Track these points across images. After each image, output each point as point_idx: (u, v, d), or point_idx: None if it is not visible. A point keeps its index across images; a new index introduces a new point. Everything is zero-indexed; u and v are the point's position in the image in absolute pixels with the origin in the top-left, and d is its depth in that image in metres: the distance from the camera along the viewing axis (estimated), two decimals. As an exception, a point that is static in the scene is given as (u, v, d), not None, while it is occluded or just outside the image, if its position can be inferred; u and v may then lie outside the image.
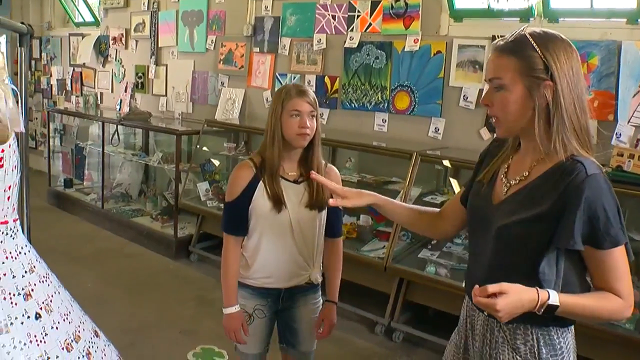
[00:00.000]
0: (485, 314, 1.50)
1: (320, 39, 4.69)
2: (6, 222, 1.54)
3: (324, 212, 2.18)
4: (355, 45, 4.49)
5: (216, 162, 5.15)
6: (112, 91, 6.72)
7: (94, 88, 6.90)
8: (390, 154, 3.96)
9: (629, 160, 3.14)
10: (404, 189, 3.82)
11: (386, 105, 4.39)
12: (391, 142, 4.18)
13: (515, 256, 1.41)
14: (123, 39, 6.36)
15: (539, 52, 1.33)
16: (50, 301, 1.62)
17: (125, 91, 6.39)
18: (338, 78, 4.64)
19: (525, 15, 3.74)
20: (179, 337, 3.61)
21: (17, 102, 1.60)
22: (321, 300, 2.30)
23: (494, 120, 1.45)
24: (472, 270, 1.59)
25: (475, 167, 1.66)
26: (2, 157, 1.46)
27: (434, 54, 4.11)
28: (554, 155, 1.36)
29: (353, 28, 4.50)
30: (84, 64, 6.92)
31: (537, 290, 1.30)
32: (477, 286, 1.30)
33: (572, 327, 1.49)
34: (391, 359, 3.48)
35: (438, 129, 4.16)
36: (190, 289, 4.39)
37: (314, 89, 4.74)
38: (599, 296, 1.37)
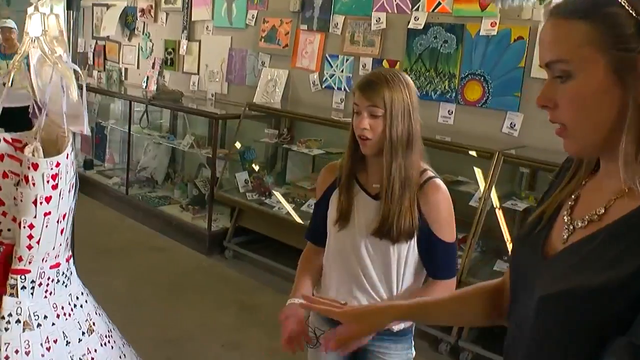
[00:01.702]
0: None
1: (379, 18, 4.20)
2: (58, 265, 1.10)
3: (411, 245, 1.68)
4: (421, 27, 4.00)
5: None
6: (137, 67, 6.24)
7: (118, 63, 6.43)
8: (464, 151, 3.51)
9: None
10: (478, 191, 3.40)
11: (454, 95, 3.92)
12: (457, 136, 3.74)
13: (567, 350, 0.87)
14: (152, 11, 5.87)
15: (627, 6, 0.79)
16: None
17: (153, 67, 5.92)
18: (398, 62, 4.16)
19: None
20: (221, 353, 3.20)
21: (81, 88, 1.14)
22: (411, 355, 1.82)
23: (558, 129, 0.90)
24: (512, 346, 1.04)
25: (542, 196, 1.09)
26: (56, 174, 1.01)
27: (514, 40, 3.62)
28: None
29: (419, 7, 4.00)
30: (108, 37, 6.44)
31: None
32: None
33: None
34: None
35: (514, 125, 3.69)
36: (229, 292, 3.97)
37: (369, 74, 4.28)
38: None
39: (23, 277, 1.04)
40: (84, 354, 1.11)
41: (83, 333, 1.13)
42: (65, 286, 1.13)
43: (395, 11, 4.13)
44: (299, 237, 4.11)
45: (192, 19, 5.53)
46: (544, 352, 0.91)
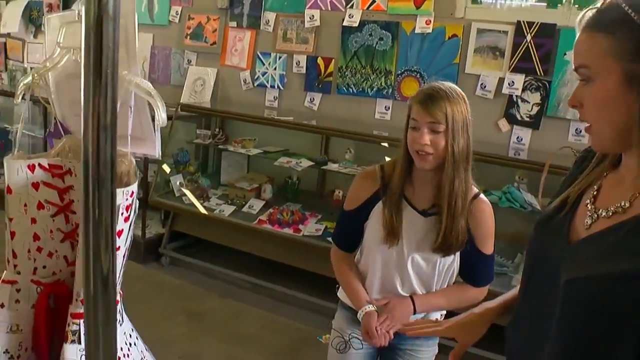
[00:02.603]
0: None
1: (313, 15, 4.19)
2: (117, 303, 1.00)
3: (453, 258, 1.75)
4: (356, 24, 4.03)
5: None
6: (45, 66, 5.81)
7: (23, 62, 5.94)
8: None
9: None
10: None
11: (390, 91, 4.00)
12: (394, 131, 3.80)
13: (596, 331, 0.94)
14: (60, 5, 5.48)
15: (638, 22, 0.90)
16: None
17: (63, 67, 5.53)
18: (333, 60, 4.18)
19: (553, 1, 3.46)
20: (180, 365, 3.08)
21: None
22: (436, 352, 1.90)
23: (585, 126, 1.01)
24: (519, 340, 1.13)
25: (562, 183, 1.18)
26: (129, 205, 0.92)
27: (449, 38, 3.75)
28: None
29: (353, 4, 4.04)
30: (9, 33, 5.93)
31: None
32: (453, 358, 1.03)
33: None
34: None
35: (450, 119, 3.82)
36: (173, 300, 3.82)
37: (304, 71, 4.27)
38: None
39: (86, 320, 0.94)
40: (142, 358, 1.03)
41: (130, 339, 1.04)
42: (120, 324, 1.03)
43: (329, 8, 4.14)
44: (241, 239, 4.06)
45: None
46: (575, 338, 0.97)
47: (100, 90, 0.56)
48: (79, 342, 0.93)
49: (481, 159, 3.39)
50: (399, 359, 1.87)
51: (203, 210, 4.12)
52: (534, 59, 3.48)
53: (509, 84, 3.58)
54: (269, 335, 3.46)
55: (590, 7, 0.98)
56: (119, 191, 0.85)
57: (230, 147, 4.30)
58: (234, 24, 4.55)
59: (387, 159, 3.74)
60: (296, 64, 4.31)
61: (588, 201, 1.04)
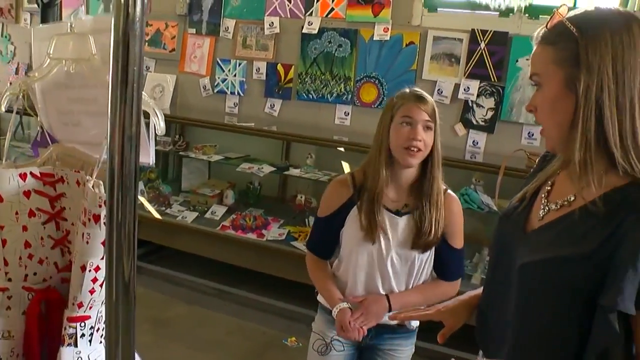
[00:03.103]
0: None
1: (272, 22, 4.24)
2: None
3: (429, 254, 1.83)
4: (315, 32, 4.10)
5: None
6: (-4, 73, 5.67)
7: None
8: (363, 149, 3.68)
9: None
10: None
11: (350, 97, 4.08)
12: (354, 136, 3.91)
13: (544, 308, 1.09)
14: (12, 11, 5.36)
15: (576, 35, 1.03)
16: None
17: (17, 73, 5.42)
18: (293, 66, 4.24)
19: (505, 10, 3.61)
20: (147, 372, 3.07)
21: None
22: (413, 351, 1.97)
23: (541, 130, 1.15)
24: (487, 319, 1.28)
25: (525, 181, 1.31)
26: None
27: (406, 45, 3.86)
28: (612, 178, 1.04)
29: (312, 12, 4.11)
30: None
31: None
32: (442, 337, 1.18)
33: None
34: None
35: (409, 124, 3.93)
36: (137, 309, 3.75)
37: (264, 77, 4.31)
38: None
39: (83, 324, 0.94)
40: None
41: None
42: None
43: (289, 16, 4.20)
44: (205, 245, 4.06)
45: (63, 20, 5.14)
46: (528, 315, 1.11)
47: (126, 102, 0.59)
48: (75, 345, 0.95)
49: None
50: (378, 359, 1.92)
51: (158, 216, 4.12)
52: (487, 65, 3.62)
53: (464, 89, 3.71)
54: (235, 340, 3.48)
55: (543, 25, 1.11)
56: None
57: (191, 153, 4.30)
58: (193, 30, 4.55)
59: (346, 164, 3.85)
60: (256, 70, 4.35)
61: (543, 196, 1.18)
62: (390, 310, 1.80)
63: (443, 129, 3.69)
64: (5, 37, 5.51)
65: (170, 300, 3.93)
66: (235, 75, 4.45)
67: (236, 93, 4.47)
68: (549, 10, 3.55)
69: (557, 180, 1.18)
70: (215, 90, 4.54)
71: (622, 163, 1.01)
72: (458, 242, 1.85)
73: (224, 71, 4.48)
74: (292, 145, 4.28)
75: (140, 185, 4.32)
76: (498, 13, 3.64)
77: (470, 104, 3.72)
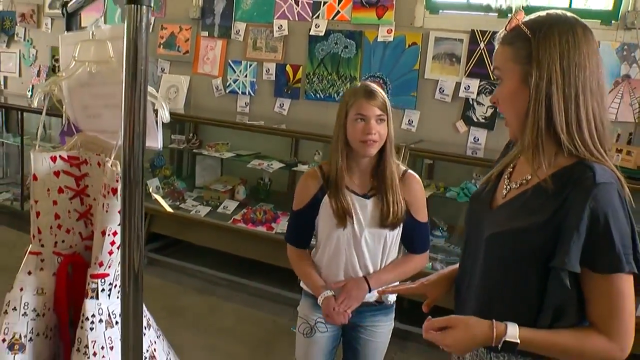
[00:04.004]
0: None
1: (281, 25, 4.42)
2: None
3: (397, 230, 1.99)
4: (322, 34, 4.28)
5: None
6: (19, 75, 5.92)
7: (-5, 71, 6.05)
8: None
9: (617, 155, 3.29)
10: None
11: (356, 96, 4.24)
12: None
13: (507, 272, 1.26)
14: (34, 16, 5.61)
15: (529, 36, 1.21)
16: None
17: (39, 75, 5.66)
18: (301, 67, 4.42)
19: (503, 11, 3.76)
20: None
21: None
22: (392, 325, 2.13)
23: (505, 121, 1.33)
24: (460, 286, 1.45)
25: (494, 165, 1.49)
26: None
27: (409, 46, 4.02)
28: (561, 159, 1.21)
29: (319, 15, 4.28)
30: (-19, 43, 6.04)
31: (493, 324, 1.19)
32: (428, 318, 1.27)
33: None
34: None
35: (412, 121, 4.09)
36: (154, 298, 3.99)
37: (274, 78, 4.50)
38: (577, 334, 1.19)
39: (103, 280, 1.14)
40: (149, 346, 1.23)
41: (145, 328, 1.25)
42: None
43: (297, 19, 4.38)
44: (217, 238, 4.25)
45: (82, 25, 5.37)
46: (493, 278, 1.29)
47: (134, 102, 0.77)
48: (97, 298, 1.14)
49: (441, 158, 3.72)
50: (361, 335, 2.08)
51: (169, 209, 4.32)
52: (487, 64, 3.77)
53: (465, 88, 3.86)
54: (245, 327, 3.66)
55: (503, 28, 1.30)
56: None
57: (204, 151, 4.49)
58: (206, 33, 4.75)
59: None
60: (266, 71, 4.54)
61: (506, 177, 1.36)
62: (370, 290, 1.96)
63: (445, 126, 3.92)
64: (28, 41, 5.76)
65: (184, 291, 4.13)
66: (246, 76, 4.65)
67: (247, 93, 4.66)
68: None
69: (518, 163, 1.36)
70: (227, 91, 4.74)
71: (567, 146, 1.19)
72: (422, 216, 2.02)
73: (235, 72, 4.68)
74: (301, 143, 4.45)
75: (156, 182, 4.54)
76: (497, 14, 3.79)
77: (471, 102, 3.87)
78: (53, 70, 5.57)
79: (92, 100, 1.23)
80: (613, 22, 3.47)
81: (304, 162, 4.30)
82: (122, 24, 0.88)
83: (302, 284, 2.13)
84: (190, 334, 3.50)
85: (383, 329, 2.09)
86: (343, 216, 1.91)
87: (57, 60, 5.52)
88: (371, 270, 1.99)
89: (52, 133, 5.59)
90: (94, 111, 1.24)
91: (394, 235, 1.99)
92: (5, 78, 6.04)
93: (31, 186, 1.19)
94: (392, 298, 2.08)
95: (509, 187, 1.33)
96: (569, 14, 1.24)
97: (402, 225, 1.98)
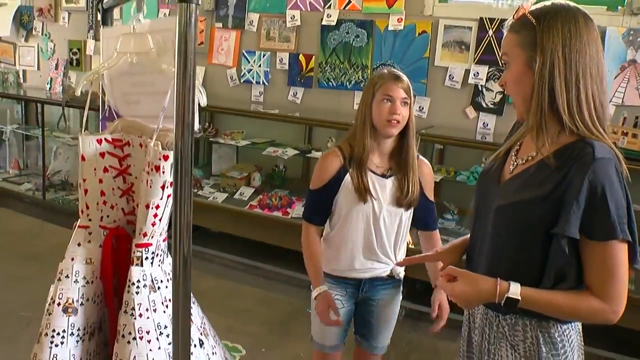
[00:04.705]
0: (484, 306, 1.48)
1: (294, 16, 4.53)
2: (165, 239, 1.35)
3: (410, 211, 2.11)
4: (334, 23, 4.38)
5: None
6: (38, 69, 6.07)
7: (14, 65, 6.20)
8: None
9: (623, 138, 3.37)
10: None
11: (367, 84, 4.34)
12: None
13: (513, 240, 1.36)
14: (52, 10, 5.74)
15: (534, 24, 1.31)
16: (203, 324, 1.46)
17: (56, 69, 5.80)
18: (314, 56, 4.52)
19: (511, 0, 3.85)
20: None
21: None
22: (401, 298, 2.25)
23: (513, 103, 1.44)
24: (471, 254, 1.56)
25: (502, 144, 1.62)
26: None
27: (419, 34, 4.12)
28: (564, 137, 1.32)
29: (330, 5, 4.38)
30: (0, 37, 6.18)
31: (497, 281, 1.30)
32: (441, 265, 1.40)
33: (577, 324, 1.42)
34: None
35: (422, 108, 4.19)
36: (173, 282, 4.14)
37: (287, 67, 4.61)
38: (573, 295, 1.30)
39: (146, 249, 1.26)
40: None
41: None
42: (168, 256, 1.38)
43: (309, 9, 4.48)
44: (234, 224, 4.38)
45: (99, 19, 5.51)
46: (500, 245, 1.40)
47: (185, 95, 0.88)
48: (141, 265, 1.27)
49: (451, 143, 3.83)
50: (373, 309, 2.19)
51: (196, 199, 4.41)
52: (495, 51, 3.86)
53: (474, 74, 3.95)
54: (262, 309, 3.78)
55: (510, 17, 1.40)
56: (171, 152, 1.19)
57: (220, 139, 4.62)
58: (220, 24, 4.87)
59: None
60: (279, 61, 4.65)
61: (513, 154, 1.47)
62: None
63: (455, 112, 4.02)
64: (46, 35, 5.91)
65: (202, 275, 4.25)
66: (260, 66, 4.76)
67: (261, 82, 4.78)
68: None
69: (524, 142, 1.47)
70: (241, 80, 4.86)
71: (569, 125, 1.30)
72: (432, 196, 2.17)
73: (249, 62, 4.79)
74: (314, 130, 4.57)
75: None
76: (505, 2, 3.87)
77: (480, 88, 3.96)
78: (70, 63, 5.71)
79: (132, 88, 1.35)
80: (619, 8, 3.55)
81: (317, 149, 4.42)
82: (163, 18, 0.99)
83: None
84: (209, 315, 3.58)
85: (394, 301, 2.21)
86: (364, 192, 2.01)
87: (74, 54, 5.67)
88: (388, 249, 2.10)
89: (71, 125, 5.76)
90: (134, 98, 1.36)
91: (407, 217, 2.10)
92: (24, 71, 6.20)
93: (79, 166, 1.32)
94: (401, 273, 2.18)
95: (515, 163, 1.43)
96: (572, 3, 1.34)
97: (414, 206, 2.10)
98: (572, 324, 1.40)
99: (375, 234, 2.07)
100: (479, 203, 1.53)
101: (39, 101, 5.43)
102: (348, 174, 2.04)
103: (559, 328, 1.36)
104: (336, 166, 2.05)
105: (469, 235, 1.62)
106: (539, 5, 1.35)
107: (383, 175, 2.05)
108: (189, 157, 0.92)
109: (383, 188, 2.04)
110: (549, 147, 1.32)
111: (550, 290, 1.31)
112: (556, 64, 1.28)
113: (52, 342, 1.28)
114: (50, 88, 5.81)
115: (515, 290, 1.27)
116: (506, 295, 1.27)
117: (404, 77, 2.01)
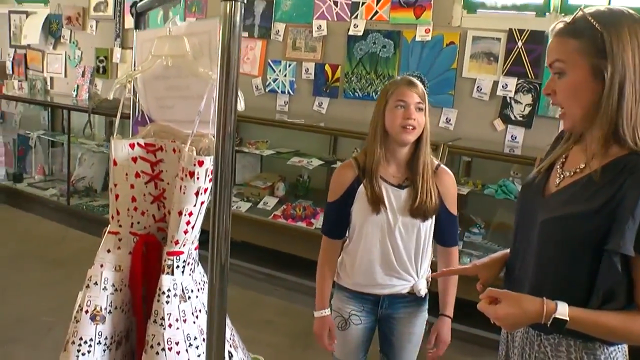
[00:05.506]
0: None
1: (320, 25, 4.51)
2: (197, 247, 1.31)
3: (431, 220, 2.02)
4: (360, 33, 4.36)
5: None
6: (65, 76, 6.14)
7: (42, 72, 6.28)
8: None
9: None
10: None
11: (393, 95, 4.30)
12: (398, 132, 4.11)
13: (560, 255, 1.30)
14: (79, 19, 5.81)
15: (600, 30, 1.22)
16: (232, 336, 1.42)
17: (83, 76, 5.86)
18: (340, 66, 4.50)
19: (541, 10, 3.79)
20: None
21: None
22: (426, 316, 2.16)
23: (559, 113, 1.34)
24: (512, 269, 1.49)
25: (544, 157, 1.55)
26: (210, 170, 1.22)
27: (447, 45, 4.07)
28: (615, 149, 1.25)
29: (357, 15, 4.36)
30: (29, 45, 6.27)
31: (544, 302, 1.22)
32: (480, 286, 1.32)
33: (623, 345, 1.34)
34: None
35: (449, 120, 4.14)
36: (195, 291, 4.12)
37: (312, 77, 4.59)
38: (625, 316, 1.23)
39: (178, 257, 1.23)
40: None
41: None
42: (198, 265, 1.34)
43: (335, 19, 4.46)
44: (257, 233, 4.34)
45: (125, 27, 5.56)
46: (546, 261, 1.34)
47: (228, 102, 0.85)
48: (172, 274, 1.23)
49: (479, 155, 3.76)
50: (395, 327, 2.10)
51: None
52: (525, 63, 3.80)
53: (502, 86, 3.89)
54: (284, 320, 3.74)
55: (560, 20, 1.32)
56: (207, 158, 1.16)
57: (245, 148, 4.60)
58: (246, 34, 4.86)
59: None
60: (305, 70, 4.63)
61: (558, 167, 1.41)
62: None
63: (482, 124, 3.96)
64: (73, 43, 5.98)
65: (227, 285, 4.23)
66: (285, 76, 4.75)
67: (286, 92, 4.76)
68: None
69: (571, 153, 1.41)
70: (267, 90, 4.85)
71: (628, 139, 1.22)
72: (454, 209, 2.05)
73: (275, 71, 4.78)
74: (339, 140, 4.53)
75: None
76: (535, 13, 3.82)
77: (509, 100, 3.90)
78: (97, 70, 5.77)
79: (166, 92, 1.32)
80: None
81: (342, 159, 4.35)
82: (201, 20, 0.96)
83: (335, 278, 2.15)
84: (237, 326, 3.60)
85: (416, 319, 2.11)
86: (377, 203, 1.94)
87: (101, 61, 5.72)
88: (407, 263, 2.01)
89: (96, 132, 5.80)
90: (168, 102, 1.33)
91: (427, 228, 2.01)
92: (52, 78, 6.27)
93: (111, 171, 1.30)
94: (423, 291, 2.08)
95: (562, 175, 1.37)
96: (630, 9, 1.27)
97: (434, 218, 2.02)
98: (619, 345, 1.32)
99: (392, 247, 1.99)
100: (522, 217, 1.46)
101: (65, 107, 5.47)
102: (362, 184, 1.99)
103: (606, 350, 1.29)
104: (350, 177, 2.00)
105: (508, 250, 1.56)
106: (592, 10, 1.27)
107: (399, 186, 1.97)
108: (229, 167, 0.89)
109: (398, 199, 1.97)
110: (601, 160, 1.26)
111: (599, 310, 1.24)
112: (628, 74, 1.21)
113: (79, 351, 1.25)
114: (76, 95, 5.87)
115: (563, 310, 1.20)
116: (553, 316, 1.20)
117: (418, 83, 1.95)
